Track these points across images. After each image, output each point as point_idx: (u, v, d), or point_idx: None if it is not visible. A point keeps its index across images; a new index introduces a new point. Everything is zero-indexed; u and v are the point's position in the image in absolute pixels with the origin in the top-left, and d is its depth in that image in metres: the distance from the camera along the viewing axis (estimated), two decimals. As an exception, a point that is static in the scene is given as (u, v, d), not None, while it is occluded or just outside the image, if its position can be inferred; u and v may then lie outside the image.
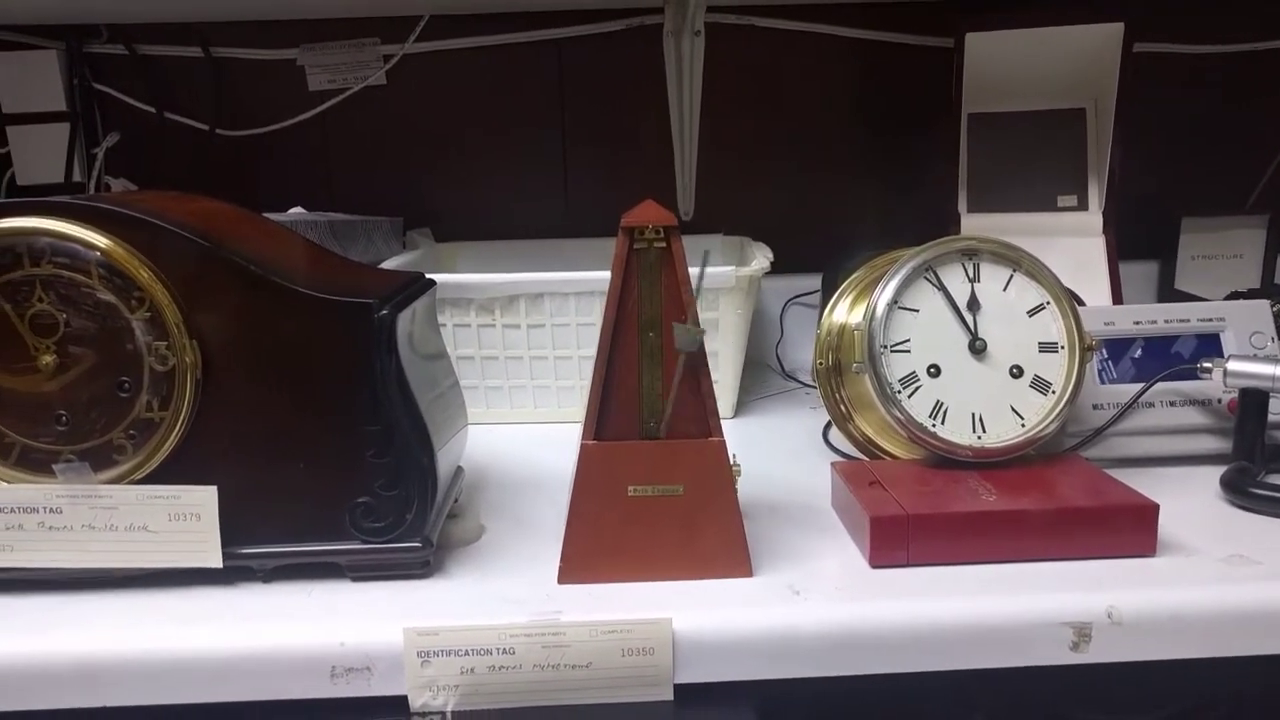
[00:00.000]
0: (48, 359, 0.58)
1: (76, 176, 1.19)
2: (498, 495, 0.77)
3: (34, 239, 0.56)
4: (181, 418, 0.58)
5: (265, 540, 0.61)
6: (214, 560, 0.60)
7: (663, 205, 0.62)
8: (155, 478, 0.59)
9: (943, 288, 0.71)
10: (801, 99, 1.26)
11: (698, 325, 0.60)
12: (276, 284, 0.58)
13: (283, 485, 0.60)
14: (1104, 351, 0.80)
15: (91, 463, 0.59)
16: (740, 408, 1.01)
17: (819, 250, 1.15)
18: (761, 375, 1.14)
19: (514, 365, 0.96)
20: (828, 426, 0.92)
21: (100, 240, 0.57)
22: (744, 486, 0.63)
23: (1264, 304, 0.82)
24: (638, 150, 1.26)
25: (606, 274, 0.91)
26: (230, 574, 0.61)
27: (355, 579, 0.62)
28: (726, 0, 1.19)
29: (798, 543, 0.67)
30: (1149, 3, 1.17)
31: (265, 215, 0.73)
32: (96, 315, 0.58)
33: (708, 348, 0.64)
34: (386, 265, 0.99)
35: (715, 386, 0.62)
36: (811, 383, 1.12)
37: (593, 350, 0.95)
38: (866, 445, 0.79)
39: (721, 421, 0.62)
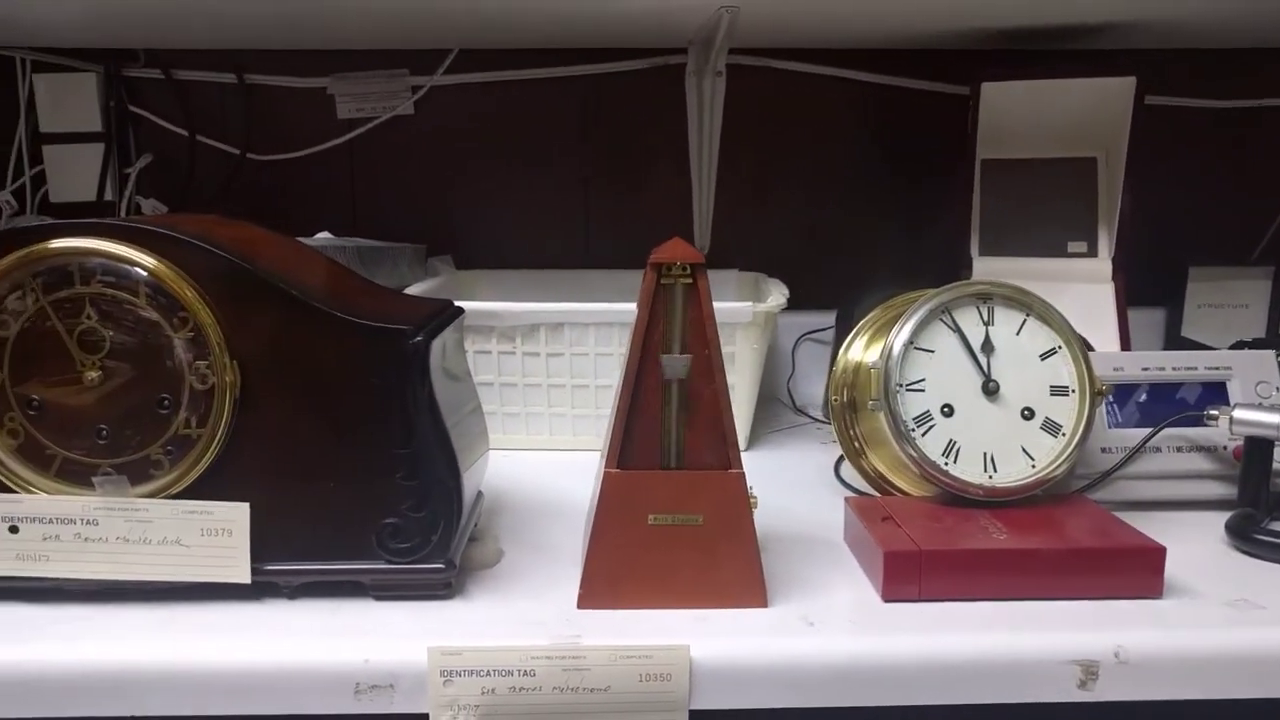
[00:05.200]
0: (93, 374, 0.59)
1: (108, 196, 1.22)
2: (515, 520, 0.79)
3: (86, 259, 0.58)
4: (218, 435, 0.60)
5: (293, 557, 0.62)
6: (243, 576, 0.61)
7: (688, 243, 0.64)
8: (189, 493, 0.61)
9: (958, 329, 0.73)
10: (817, 140, 1.29)
11: (719, 355, 0.62)
12: (315, 308, 0.60)
13: (312, 504, 0.62)
14: (1110, 396, 0.82)
15: (129, 477, 0.61)
16: (753, 441, 1.02)
17: (832, 288, 1.17)
18: (773, 409, 1.16)
19: (532, 393, 0.98)
20: (839, 462, 0.94)
21: (148, 261, 0.59)
22: (759, 518, 0.64)
23: (1269, 354, 0.84)
24: (656, 185, 1.28)
25: (626, 306, 0.94)
26: (258, 589, 0.62)
27: (378, 598, 0.63)
28: (747, 43, 1.22)
29: (811, 575, 0.68)
30: (1160, 59, 1.20)
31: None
32: (141, 333, 0.60)
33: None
34: (409, 292, 1.01)
35: (732, 420, 0.64)
36: (823, 418, 1.14)
37: (610, 380, 0.98)
38: (878, 481, 0.80)
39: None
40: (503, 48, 1.23)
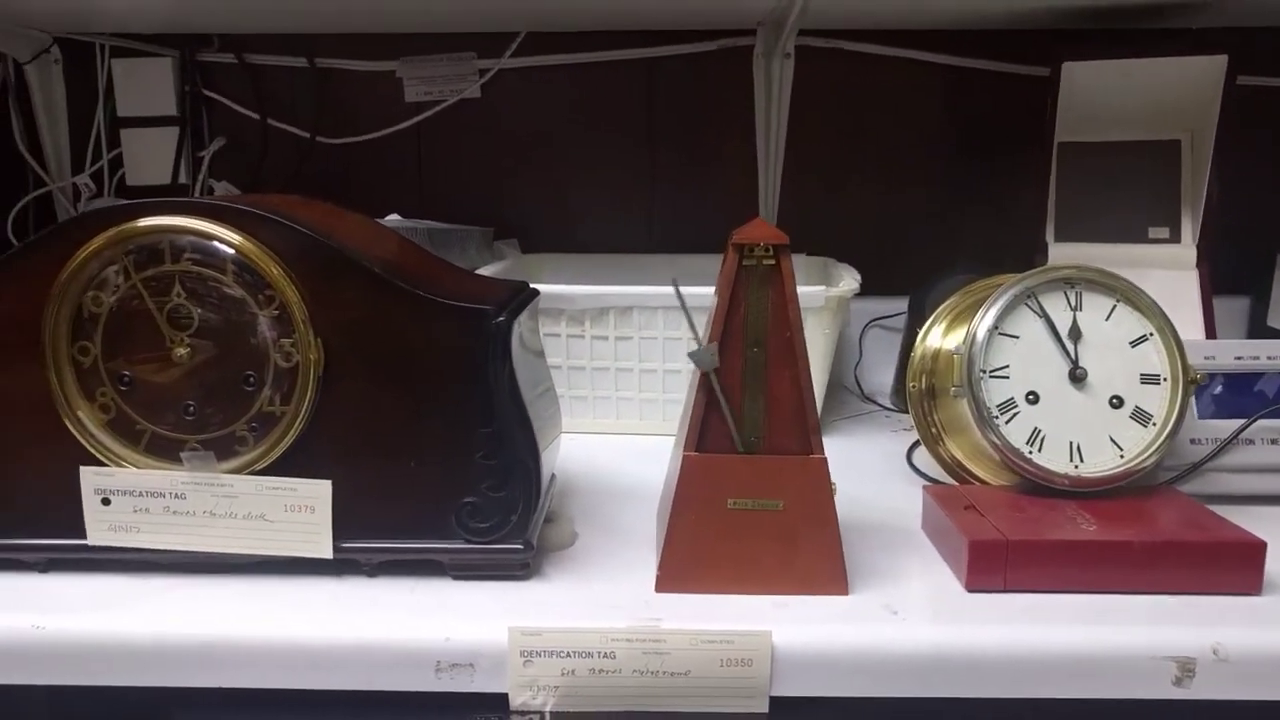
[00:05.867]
0: (181, 351, 0.60)
1: (182, 179, 1.24)
2: (586, 502, 0.79)
3: (177, 236, 0.59)
4: (302, 413, 0.61)
5: (373, 535, 0.63)
6: (325, 551, 0.62)
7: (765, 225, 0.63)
8: (273, 469, 0.62)
9: (1044, 315, 0.71)
10: (885, 122, 1.26)
11: (800, 333, 0.61)
12: (399, 287, 0.60)
13: (393, 483, 0.62)
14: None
15: (215, 452, 0.61)
16: (822, 428, 1.01)
17: (900, 274, 1.15)
18: (840, 397, 1.14)
19: (599, 376, 0.98)
20: (912, 449, 0.92)
21: (236, 238, 0.59)
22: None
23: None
24: (722, 169, 1.27)
25: (696, 289, 0.93)
26: (338, 566, 0.63)
27: (456, 577, 0.63)
28: (818, 24, 1.20)
29: (889, 563, 0.67)
30: (1251, 36, 1.16)
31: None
32: (227, 311, 0.60)
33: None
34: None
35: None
36: (891, 405, 1.12)
37: (677, 365, 0.97)
38: (956, 469, 0.79)
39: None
40: (570, 30, 1.23)
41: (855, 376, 1.19)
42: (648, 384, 0.98)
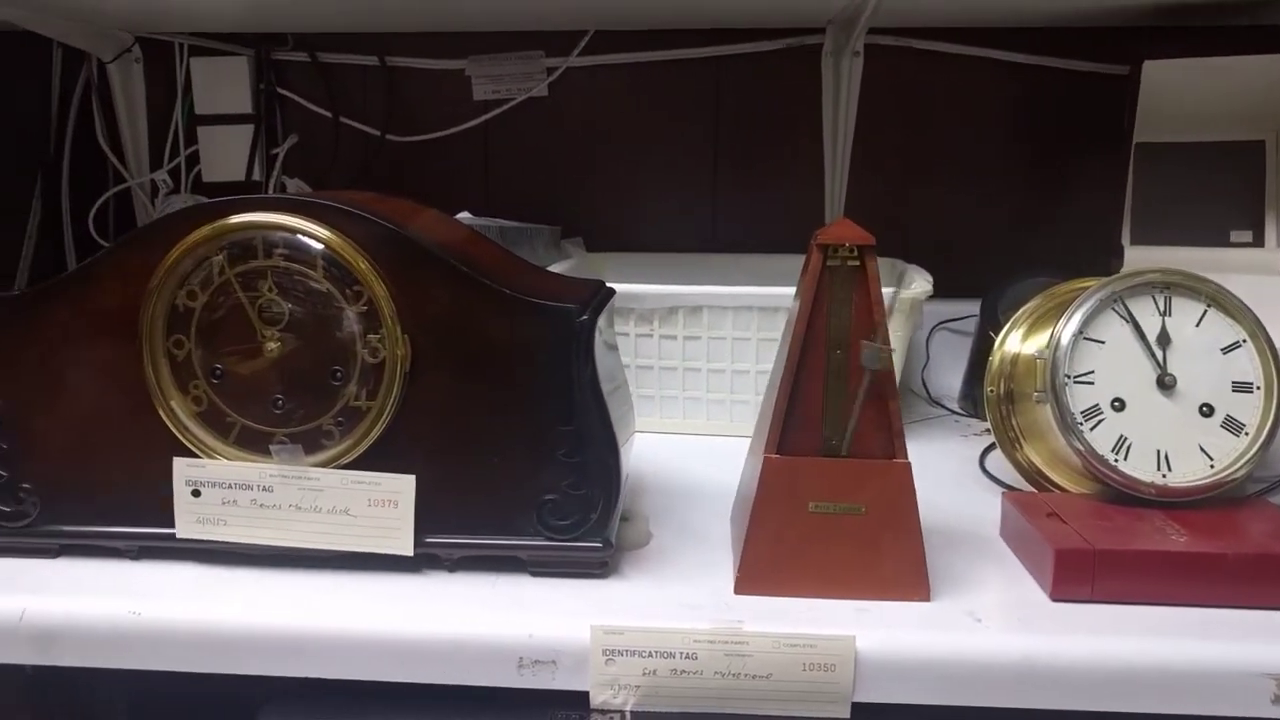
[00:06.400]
0: (272, 345, 0.61)
1: (255, 176, 1.26)
2: (657, 502, 0.78)
3: (269, 232, 0.60)
4: (388, 408, 0.61)
5: (453, 531, 0.63)
6: (406, 548, 0.63)
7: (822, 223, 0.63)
8: (358, 464, 0.62)
9: (1132, 320, 0.70)
10: (955, 122, 1.25)
11: (888, 344, 0.60)
12: (484, 284, 0.61)
13: (474, 479, 0.63)
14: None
15: (302, 446, 0.62)
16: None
17: (968, 276, 1.13)
18: (908, 400, 1.13)
19: (667, 376, 0.98)
20: (984, 454, 0.91)
21: (325, 233, 0.60)
22: (913, 510, 0.63)
23: None
24: (787, 168, 1.26)
25: (767, 290, 0.93)
26: (417, 561, 0.64)
27: (535, 574, 0.64)
28: (887, 23, 1.18)
29: (968, 570, 0.66)
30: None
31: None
32: (316, 306, 0.61)
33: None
34: (547, 272, 1.02)
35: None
36: (959, 409, 1.10)
37: (745, 365, 0.97)
38: (1034, 475, 0.77)
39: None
40: (637, 29, 1.23)
41: (922, 379, 1.18)
42: (715, 384, 0.97)
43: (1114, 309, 0.70)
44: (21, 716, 0.68)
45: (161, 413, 0.62)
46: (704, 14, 1.16)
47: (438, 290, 0.61)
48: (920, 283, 0.96)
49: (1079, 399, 0.69)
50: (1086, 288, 0.72)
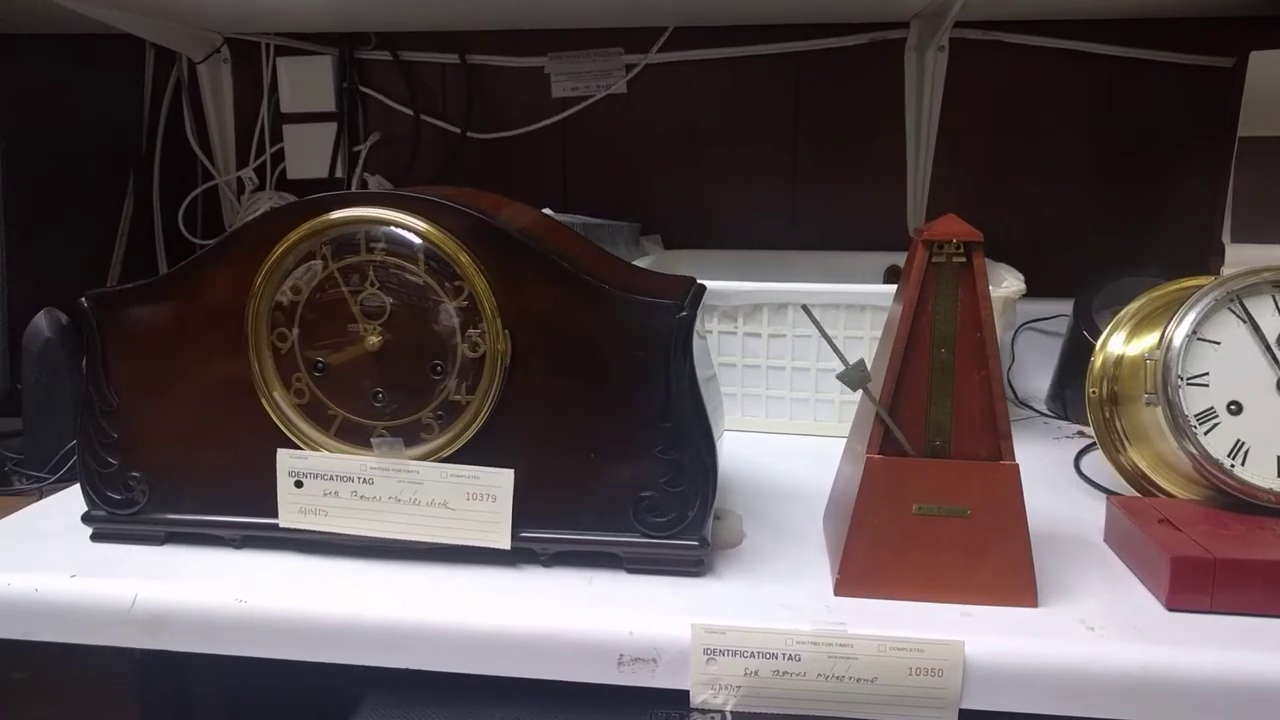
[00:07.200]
0: (373, 339, 0.62)
1: (338, 173, 1.28)
2: (745, 501, 0.78)
3: (372, 227, 0.61)
4: (487, 403, 0.61)
5: (550, 526, 0.63)
6: (503, 541, 0.63)
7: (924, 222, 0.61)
8: (457, 458, 0.63)
9: (1250, 320, 0.67)
10: (1042, 117, 1.22)
11: (996, 345, 0.59)
12: (584, 280, 0.60)
13: (572, 474, 0.63)
14: None
15: (402, 439, 0.63)
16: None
17: (1056, 275, 1.11)
18: (993, 401, 1.10)
19: (750, 374, 0.97)
20: (1079, 457, 0.88)
21: (427, 229, 0.60)
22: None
23: None
24: (868, 166, 1.24)
25: (855, 287, 0.92)
26: (514, 555, 0.64)
27: (631, 571, 0.63)
28: (974, 16, 1.16)
29: (1075, 576, 0.64)
30: None
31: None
32: (417, 300, 0.61)
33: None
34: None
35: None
36: (1048, 411, 1.07)
37: (830, 364, 0.95)
38: (1138, 479, 0.75)
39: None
40: (717, 25, 1.22)
41: (1008, 380, 1.15)
42: (799, 382, 0.96)
43: (1230, 309, 0.68)
44: (128, 701, 0.69)
45: (265, 405, 0.63)
46: (784, 9, 1.15)
47: (538, 285, 0.61)
48: (1012, 281, 0.94)
49: (1193, 402, 0.66)
50: (1196, 287, 0.69)
